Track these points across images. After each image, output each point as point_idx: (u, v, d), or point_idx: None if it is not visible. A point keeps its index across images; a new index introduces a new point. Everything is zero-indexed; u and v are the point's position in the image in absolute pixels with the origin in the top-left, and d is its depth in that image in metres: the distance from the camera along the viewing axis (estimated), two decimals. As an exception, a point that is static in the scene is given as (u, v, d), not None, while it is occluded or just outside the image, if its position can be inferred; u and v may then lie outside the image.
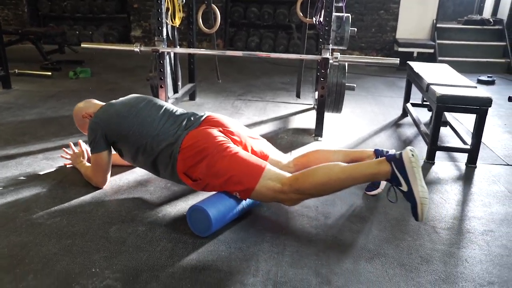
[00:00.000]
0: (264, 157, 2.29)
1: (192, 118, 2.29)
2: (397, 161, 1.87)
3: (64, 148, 2.69)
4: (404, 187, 1.86)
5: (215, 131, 2.16)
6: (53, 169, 2.63)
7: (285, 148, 3.09)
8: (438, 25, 6.71)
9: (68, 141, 2.89)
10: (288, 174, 2.03)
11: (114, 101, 2.42)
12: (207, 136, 2.12)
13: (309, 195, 2.05)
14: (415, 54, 6.38)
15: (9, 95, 4.29)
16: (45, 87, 4.65)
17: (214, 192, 2.11)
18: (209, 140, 2.10)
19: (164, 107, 2.36)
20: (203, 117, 2.29)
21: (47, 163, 2.71)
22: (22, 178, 2.50)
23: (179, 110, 2.38)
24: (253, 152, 2.26)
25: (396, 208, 2.31)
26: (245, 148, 2.23)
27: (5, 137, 3.12)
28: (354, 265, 1.82)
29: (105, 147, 2.31)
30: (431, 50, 6.42)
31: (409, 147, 1.89)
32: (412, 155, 1.85)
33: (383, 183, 2.39)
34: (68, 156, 2.63)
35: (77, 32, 7.47)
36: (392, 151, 2.32)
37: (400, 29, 6.94)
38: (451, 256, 1.91)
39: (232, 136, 2.21)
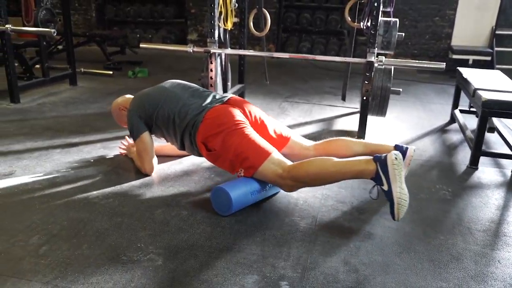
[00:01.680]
0: (286, 138, 2.56)
1: (217, 97, 2.54)
2: (381, 162, 2.00)
3: (121, 141, 2.93)
4: (385, 187, 1.99)
5: (237, 111, 2.39)
6: (109, 157, 2.88)
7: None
8: (497, 32, 6.48)
9: (123, 134, 3.13)
10: (289, 163, 2.20)
11: (145, 89, 2.67)
12: (229, 114, 2.35)
13: (303, 183, 2.21)
14: (470, 62, 6.21)
15: (75, 91, 4.67)
16: (106, 85, 5.01)
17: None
18: (229, 117, 2.33)
19: (190, 86, 2.63)
20: (228, 97, 2.52)
21: (104, 151, 2.96)
22: (82, 163, 2.76)
23: (205, 90, 2.63)
24: (275, 134, 2.51)
25: (431, 208, 2.34)
26: (264, 130, 2.47)
27: (69, 128, 3.43)
28: (382, 258, 1.88)
29: (144, 128, 2.53)
30: (488, 58, 6.22)
31: (394, 151, 2.02)
32: (396, 158, 1.98)
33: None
34: (124, 147, 2.87)
35: (138, 35, 7.91)
36: (411, 148, 2.44)
37: (455, 36, 6.76)
38: (483, 256, 1.92)
39: (251, 119, 2.44)
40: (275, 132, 2.52)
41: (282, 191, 2.37)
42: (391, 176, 1.97)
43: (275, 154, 2.23)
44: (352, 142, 2.58)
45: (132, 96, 2.72)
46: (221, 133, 2.27)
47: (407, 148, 2.45)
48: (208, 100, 2.48)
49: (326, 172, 2.13)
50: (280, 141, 2.54)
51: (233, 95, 2.59)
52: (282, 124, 2.62)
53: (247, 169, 2.22)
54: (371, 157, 2.06)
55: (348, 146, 2.55)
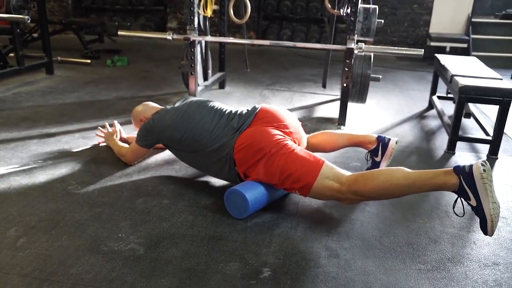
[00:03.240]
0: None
1: (244, 113, 2.29)
2: (466, 175, 1.75)
3: (99, 127, 2.88)
4: (473, 202, 1.75)
5: (271, 129, 2.14)
6: (88, 147, 2.83)
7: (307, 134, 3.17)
8: (473, 20, 6.58)
9: (103, 123, 3.09)
10: (346, 173, 2.00)
11: (169, 107, 2.53)
12: (264, 135, 2.11)
13: (368, 198, 2.02)
14: (447, 49, 6.30)
15: (52, 80, 4.57)
16: (84, 74, 4.91)
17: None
18: (265, 139, 2.09)
19: (215, 107, 2.37)
20: (256, 111, 2.26)
21: (83, 142, 2.91)
22: (60, 153, 2.71)
23: (229, 108, 2.38)
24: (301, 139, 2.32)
25: (410, 193, 2.37)
26: (299, 140, 2.29)
27: (47, 118, 3.36)
28: (363, 242, 1.91)
29: (149, 146, 2.48)
30: (465, 45, 6.32)
31: (480, 161, 1.75)
32: (484, 170, 1.71)
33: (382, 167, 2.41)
34: (102, 134, 2.82)
35: (116, 23, 7.77)
36: (393, 140, 2.43)
37: (433, 23, 6.85)
38: (459, 239, 1.97)
39: (288, 131, 2.21)
40: (299, 136, 2.32)
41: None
42: (480, 191, 1.71)
43: (326, 164, 2.00)
44: (338, 135, 2.53)
45: (154, 106, 2.66)
46: (262, 159, 2.05)
47: (389, 140, 2.45)
48: (235, 123, 2.23)
49: (396, 185, 1.87)
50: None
51: (263, 106, 2.31)
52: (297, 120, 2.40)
53: (301, 190, 2.00)
54: (451, 168, 1.81)
55: (333, 140, 2.50)
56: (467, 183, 1.74)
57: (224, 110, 2.36)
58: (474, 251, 1.88)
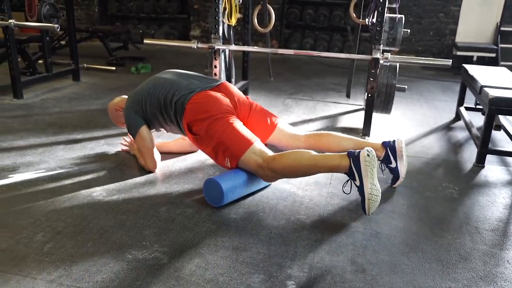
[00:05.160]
0: (272, 125, 2.57)
1: (208, 80, 2.57)
2: (354, 158, 2.04)
3: (124, 137, 2.91)
4: (357, 182, 2.04)
5: (224, 99, 2.41)
6: (112, 153, 2.86)
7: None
8: (502, 28, 6.43)
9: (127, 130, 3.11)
10: (271, 153, 2.24)
11: None
12: (217, 101, 2.38)
13: (281, 175, 2.25)
14: (474, 59, 6.17)
15: (78, 87, 4.65)
16: (109, 81, 4.98)
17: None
18: (217, 104, 2.36)
19: (180, 71, 2.67)
20: (219, 83, 2.53)
21: (108, 148, 2.94)
22: (85, 159, 2.74)
23: (197, 74, 2.66)
24: (262, 120, 2.55)
25: (438, 207, 2.32)
26: (251, 118, 2.51)
27: (73, 124, 3.41)
28: (390, 257, 1.86)
29: (141, 122, 2.52)
30: (493, 54, 6.18)
31: (367, 148, 2.04)
32: (368, 154, 2.01)
33: (402, 171, 2.45)
34: (126, 143, 2.85)
35: (141, 31, 7.87)
36: (398, 139, 2.46)
37: (460, 32, 6.73)
38: (492, 256, 1.90)
39: (239, 107, 2.46)
40: (262, 120, 2.55)
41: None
42: (363, 172, 2.01)
43: (257, 143, 2.27)
44: (344, 138, 2.57)
45: (126, 96, 2.73)
46: (207, 119, 2.30)
47: (394, 141, 2.45)
48: (198, 82, 2.49)
49: (303, 165, 2.16)
50: (267, 129, 2.56)
51: (225, 82, 2.60)
52: (270, 112, 2.63)
53: (230, 158, 2.26)
54: (345, 153, 2.09)
55: (339, 142, 2.54)
56: (355, 165, 2.03)
57: (190, 73, 2.65)
58: (508, 270, 1.81)
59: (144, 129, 2.52)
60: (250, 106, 2.55)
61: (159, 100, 2.45)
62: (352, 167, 2.04)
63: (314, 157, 2.15)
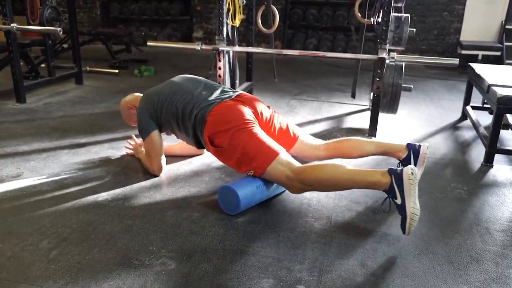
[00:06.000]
0: (294, 138, 2.50)
1: (226, 90, 2.49)
2: (397, 176, 1.94)
3: (128, 140, 2.89)
4: (398, 201, 1.92)
5: (246, 109, 2.33)
6: (117, 157, 2.84)
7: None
8: (507, 27, 6.39)
9: (131, 133, 3.09)
10: (298, 164, 2.16)
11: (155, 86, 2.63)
12: (238, 111, 2.30)
13: (311, 187, 2.15)
14: (479, 57, 6.13)
15: (81, 90, 4.64)
16: (112, 84, 4.97)
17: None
18: (239, 114, 2.28)
19: (200, 79, 2.60)
20: (237, 93, 2.46)
21: (113, 152, 2.92)
22: (90, 164, 2.72)
23: (214, 83, 2.58)
24: (284, 133, 2.47)
25: (447, 208, 2.29)
26: (273, 129, 2.43)
27: (77, 128, 3.40)
28: (400, 260, 1.83)
29: (153, 127, 2.48)
30: (498, 53, 6.14)
31: (410, 166, 1.95)
32: (412, 173, 1.91)
33: (417, 177, 2.38)
34: (131, 147, 2.83)
35: (143, 33, 7.85)
36: (424, 145, 2.41)
37: (464, 31, 6.69)
38: (504, 258, 1.87)
39: (260, 117, 2.38)
40: (284, 131, 2.48)
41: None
42: (405, 191, 1.90)
43: (283, 154, 2.19)
44: (364, 141, 2.52)
45: (141, 94, 2.67)
46: (230, 130, 2.22)
47: (420, 146, 2.41)
48: (217, 93, 2.43)
49: (338, 179, 2.06)
50: (289, 141, 2.49)
51: (243, 92, 2.53)
52: (291, 123, 2.57)
53: (255, 170, 2.18)
54: (386, 170, 1.99)
55: (360, 146, 2.50)
56: (397, 183, 1.92)
57: (210, 83, 2.57)
58: (520, 271, 1.78)
59: (156, 133, 2.49)
60: (272, 116, 2.47)
61: (177, 110, 2.39)
62: (394, 185, 1.93)
63: (350, 171, 2.05)
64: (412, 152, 2.40)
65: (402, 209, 1.91)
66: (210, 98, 2.37)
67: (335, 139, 2.58)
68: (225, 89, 2.50)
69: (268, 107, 2.51)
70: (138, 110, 2.53)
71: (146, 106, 2.50)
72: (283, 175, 2.13)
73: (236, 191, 2.09)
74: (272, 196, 2.32)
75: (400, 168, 1.96)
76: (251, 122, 2.27)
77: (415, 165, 2.40)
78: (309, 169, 2.12)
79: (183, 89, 2.45)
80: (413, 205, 1.88)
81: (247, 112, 2.32)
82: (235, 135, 2.21)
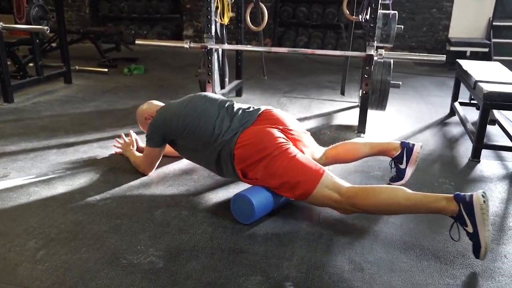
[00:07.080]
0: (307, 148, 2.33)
1: (246, 110, 2.31)
2: (466, 204, 1.79)
3: (116, 138, 2.88)
4: (470, 229, 1.78)
5: (275, 131, 2.15)
6: (106, 156, 2.83)
7: (327, 143, 3.08)
8: (494, 23, 6.44)
9: (121, 132, 3.07)
10: (346, 184, 2.01)
11: (172, 101, 2.53)
12: (267, 135, 2.11)
13: (364, 212, 2.04)
14: (468, 54, 6.17)
15: (70, 90, 4.60)
16: (101, 83, 4.93)
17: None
18: (269, 140, 2.09)
19: (219, 100, 2.41)
20: (260, 112, 2.28)
21: (101, 151, 2.91)
22: (78, 163, 2.71)
23: (234, 103, 2.39)
24: (309, 144, 2.34)
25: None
26: (302, 145, 2.26)
27: (65, 127, 3.37)
28: (387, 255, 1.85)
29: (159, 144, 2.43)
30: (486, 49, 6.18)
31: (481, 191, 1.79)
32: (484, 201, 1.76)
33: (408, 175, 2.44)
34: (119, 145, 2.81)
35: (133, 32, 7.81)
36: (418, 144, 2.41)
37: (453, 28, 6.72)
38: (489, 252, 1.88)
39: (291, 136, 2.21)
40: (304, 145, 2.30)
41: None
42: (478, 219, 1.75)
43: (326, 175, 2.02)
44: (359, 144, 2.51)
45: (158, 103, 2.64)
46: (263, 160, 2.05)
47: (413, 145, 2.42)
48: (238, 117, 2.25)
49: (398, 205, 1.92)
50: (311, 154, 2.36)
51: (267, 108, 2.33)
52: (308, 136, 2.40)
53: (299, 196, 2.03)
54: (452, 195, 1.84)
55: (356, 149, 2.48)
56: (467, 212, 1.78)
57: (227, 103, 2.37)
58: (505, 265, 1.80)
59: (160, 150, 2.48)
60: (299, 129, 2.32)
61: (198, 143, 2.27)
62: (463, 213, 1.79)
63: (410, 197, 1.90)
64: (406, 151, 2.42)
65: (475, 237, 1.77)
66: (233, 127, 2.20)
67: (331, 146, 2.51)
68: (245, 110, 2.32)
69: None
70: (152, 123, 2.43)
71: (162, 124, 2.38)
72: (331, 199, 1.99)
73: (253, 203, 2.00)
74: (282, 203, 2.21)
75: (469, 194, 1.80)
76: (284, 144, 2.09)
77: (406, 164, 2.42)
78: (362, 192, 1.97)
79: (205, 116, 2.28)
80: (488, 234, 1.74)
81: (277, 134, 2.14)
82: (270, 163, 2.04)
